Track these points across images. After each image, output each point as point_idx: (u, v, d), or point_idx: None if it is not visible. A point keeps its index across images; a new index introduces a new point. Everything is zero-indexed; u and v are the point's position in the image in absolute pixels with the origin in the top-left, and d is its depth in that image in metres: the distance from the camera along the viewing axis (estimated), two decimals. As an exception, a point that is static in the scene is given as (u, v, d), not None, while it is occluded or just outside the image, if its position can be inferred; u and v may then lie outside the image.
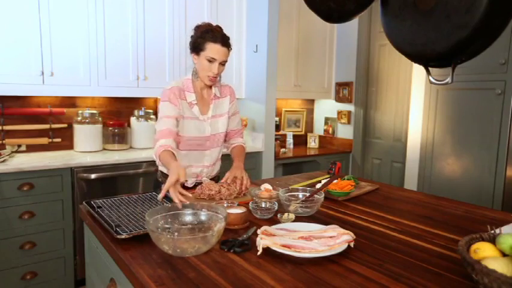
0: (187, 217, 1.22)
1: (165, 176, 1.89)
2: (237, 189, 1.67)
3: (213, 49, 1.70)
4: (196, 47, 1.74)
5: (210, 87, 1.87)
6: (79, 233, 2.47)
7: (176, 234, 1.08)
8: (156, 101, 3.30)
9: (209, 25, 1.76)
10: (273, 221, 1.36)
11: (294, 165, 4.11)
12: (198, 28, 1.76)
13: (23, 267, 2.31)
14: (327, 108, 4.41)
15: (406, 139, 3.47)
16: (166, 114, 1.74)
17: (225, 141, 2.01)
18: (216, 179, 2.02)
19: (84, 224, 1.47)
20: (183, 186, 1.87)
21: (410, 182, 3.37)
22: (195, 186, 1.88)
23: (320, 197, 1.47)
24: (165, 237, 1.02)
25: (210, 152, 1.91)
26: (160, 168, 1.92)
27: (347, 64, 4.12)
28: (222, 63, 1.76)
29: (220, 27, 1.76)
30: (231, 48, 1.77)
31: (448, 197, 1.90)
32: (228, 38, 1.75)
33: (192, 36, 1.77)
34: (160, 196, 1.45)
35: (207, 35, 1.70)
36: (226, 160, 2.07)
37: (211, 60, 1.72)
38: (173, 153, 1.63)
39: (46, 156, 2.63)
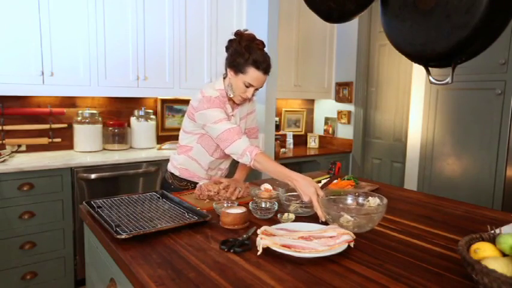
0: (349, 201, 1.41)
1: (175, 177, 1.88)
2: (238, 194, 1.65)
3: (253, 76, 1.61)
4: (236, 65, 1.63)
5: None
6: (79, 233, 2.47)
7: (354, 214, 1.24)
8: (155, 100, 3.30)
9: (252, 39, 1.63)
10: (273, 221, 1.36)
11: (294, 165, 4.11)
12: (240, 38, 1.63)
13: (23, 267, 2.31)
14: (327, 108, 4.41)
15: (406, 139, 3.47)
16: (225, 117, 1.65)
17: None
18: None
19: (84, 224, 1.47)
20: (188, 189, 1.86)
21: (410, 182, 3.37)
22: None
23: (320, 197, 1.47)
24: (345, 217, 1.22)
25: (230, 158, 1.90)
26: (172, 170, 1.90)
27: (347, 64, 4.12)
28: (257, 89, 1.69)
29: (263, 45, 1.64)
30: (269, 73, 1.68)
31: (448, 197, 1.89)
32: (270, 64, 1.65)
33: (232, 46, 1.65)
34: (323, 216, 1.31)
35: (250, 57, 1.59)
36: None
37: (248, 86, 1.64)
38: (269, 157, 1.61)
39: (46, 156, 2.63)
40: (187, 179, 1.87)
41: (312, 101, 4.53)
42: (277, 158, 3.56)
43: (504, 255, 0.90)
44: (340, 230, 1.14)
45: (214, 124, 1.63)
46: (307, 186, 1.39)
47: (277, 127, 4.04)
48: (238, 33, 1.65)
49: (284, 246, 1.04)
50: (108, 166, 2.55)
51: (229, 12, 3.32)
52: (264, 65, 1.61)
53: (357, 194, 1.41)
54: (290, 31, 3.81)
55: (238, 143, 1.58)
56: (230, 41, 1.67)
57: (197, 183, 1.86)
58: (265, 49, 1.68)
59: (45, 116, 2.82)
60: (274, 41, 3.26)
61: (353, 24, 3.97)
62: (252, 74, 1.61)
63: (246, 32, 1.66)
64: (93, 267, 1.42)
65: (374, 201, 1.34)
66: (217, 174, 1.93)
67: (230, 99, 1.76)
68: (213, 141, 1.75)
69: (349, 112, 4.13)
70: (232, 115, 1.77)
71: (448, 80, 1.27)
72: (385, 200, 1.27)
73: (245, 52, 1.60)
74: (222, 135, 1.61)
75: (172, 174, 1.90)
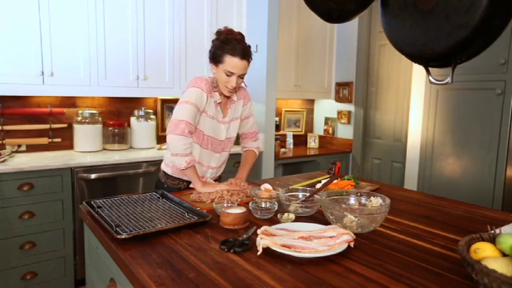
0: (351, 201, 1.40)
1: (168, 176, 1.89)
2: (238, 200, 1.61)
3: (231, 63, 1.66)
4: (214, 58, 1.70)
5: None
6: (79, 233, 2.47)
7: (358, 214, 1.24)
8: (155, 100, 3.30)
9: (230, 32, 1.70)
10: (273, 221, 1.36)
11: (294, 165, 4.11)
12: (219, 35, 1.71)
13: (23, 267, 2.31)
14: (327, 108, 4.41)
15: (406, 139, 3.47)
16: (193, 102, 1.70)
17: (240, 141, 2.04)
18: (219, 180, 2.01)
19: (84, 224, 1.47)
20: (188, 187, 1.86)
21: (410, 182, 3.37)
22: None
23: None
24: (348, 217, 1.22)
25: (220, 155, 1.91)
26: (164, 168, 1.91)
27: (347, 64, 4.12)
28: (241, 76, 1.72)
29: (241, 35, 1.71)
30: (251, 59, 1.72)
31: (448, 197, 1.90)
32: (248, 50, 1.70)
33: (212, 44, 1.72)
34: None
35: (226, 47, 1.65)
36: (231, 160, 2.07)
37: (229, 74, 1.68)
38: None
39: (46, 156, 2.63)
40: (180, 177, 1.87)
41: (312, 101, 4.52)
42: (277, 158, 3.56)
43: (504, 255, 0.90)
44: (340, 230, 1.14)
45: (180, 104, 1.70)
46: (200, 189, 1.68)
47: (277, 127, 4.04)
48: (217, 31, 1.73)
49: (284, 246, 1.04)
50: (108, 166, 2.55)
51: (229, 12, 3.32)
52: (238, 50, 1.65)
53: (359, 194, 1.41)
54: (290, 31, 3.81)
55: (181, 140, 1.67)
56: (212, 40, 1.74)
57: (190, 181, 1.85)
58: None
59: (45, 116, 2.81)
60: (274, 41, 3.26)
61: (353, 24, 3.96)
62: (229, 61, 1.66)
63: (225, 29, 1.73)
64: (93, 267, 1.42)
65: (376, 201, 1.34)
66: (208, 172, 1.91)
67: (221, 93, 1.81)
68: (199, 129, 1.79)
69: (349, 112, 4.13)
70: (219, 103, 1.81)
71: (448, 80, 1.27)
72: (387, 200, 1.28)
73: (221, 44, 1.67)
74: (175, 121, 1.68)
75: (165, 173, 1.91)
